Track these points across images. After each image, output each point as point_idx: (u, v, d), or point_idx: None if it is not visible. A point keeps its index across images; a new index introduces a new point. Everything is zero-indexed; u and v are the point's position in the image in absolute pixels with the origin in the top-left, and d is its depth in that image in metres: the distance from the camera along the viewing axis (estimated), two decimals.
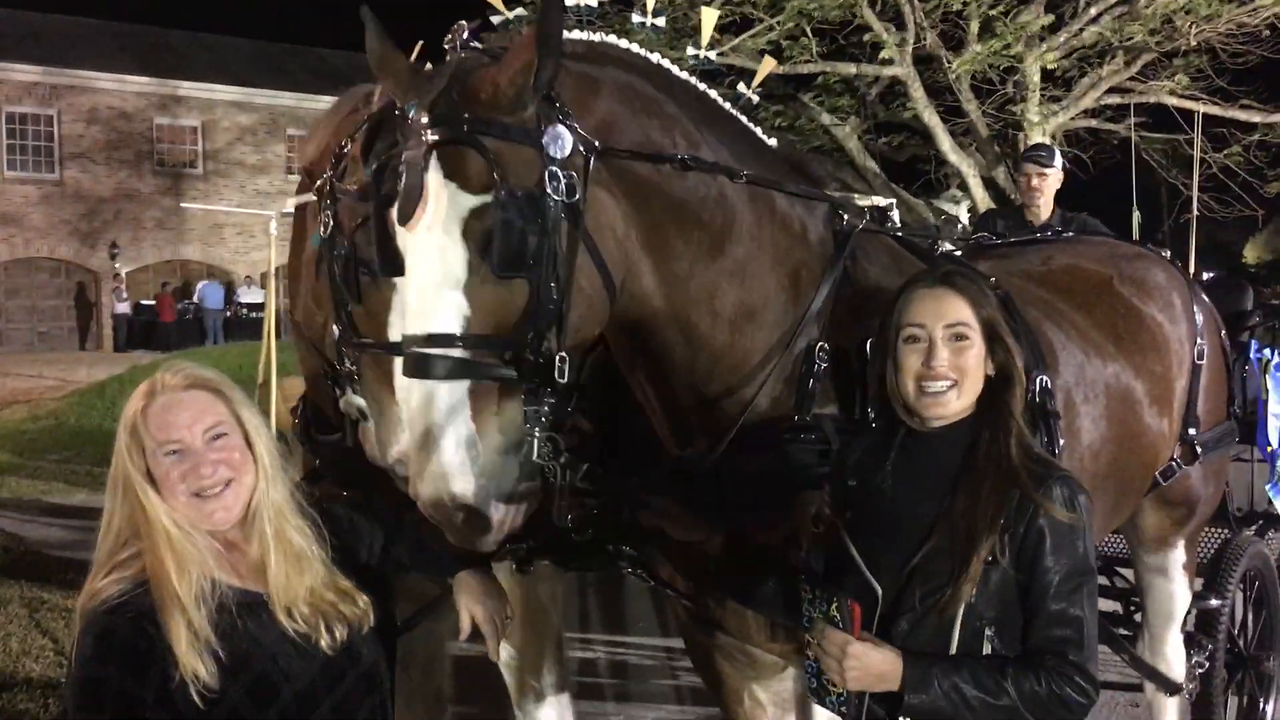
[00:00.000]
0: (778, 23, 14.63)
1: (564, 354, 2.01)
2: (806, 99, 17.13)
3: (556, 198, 2.00)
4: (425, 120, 1.97)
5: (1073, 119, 15.99)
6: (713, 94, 2.52)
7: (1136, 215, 16.31)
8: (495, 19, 2.51)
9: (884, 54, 14.61)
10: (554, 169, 2.00)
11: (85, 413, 14.04)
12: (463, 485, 1.93)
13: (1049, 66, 14.58)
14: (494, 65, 2.06)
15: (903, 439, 2.09)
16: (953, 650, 1.93)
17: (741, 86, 2.66)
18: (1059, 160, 5.78)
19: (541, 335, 2.00)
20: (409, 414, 1.97)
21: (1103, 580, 4.94)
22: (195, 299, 28.20)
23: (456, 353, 1.93)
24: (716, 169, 2.31)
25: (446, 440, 1.92)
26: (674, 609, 2.87)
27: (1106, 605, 4.82)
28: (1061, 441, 2.77)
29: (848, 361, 2.44)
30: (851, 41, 15.55)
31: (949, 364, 2.01)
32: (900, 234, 2.90)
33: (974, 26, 14.71)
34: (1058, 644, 1.90)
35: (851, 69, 15.96)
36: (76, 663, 1.85)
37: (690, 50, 2.60)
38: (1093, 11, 14.63)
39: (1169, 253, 4.10)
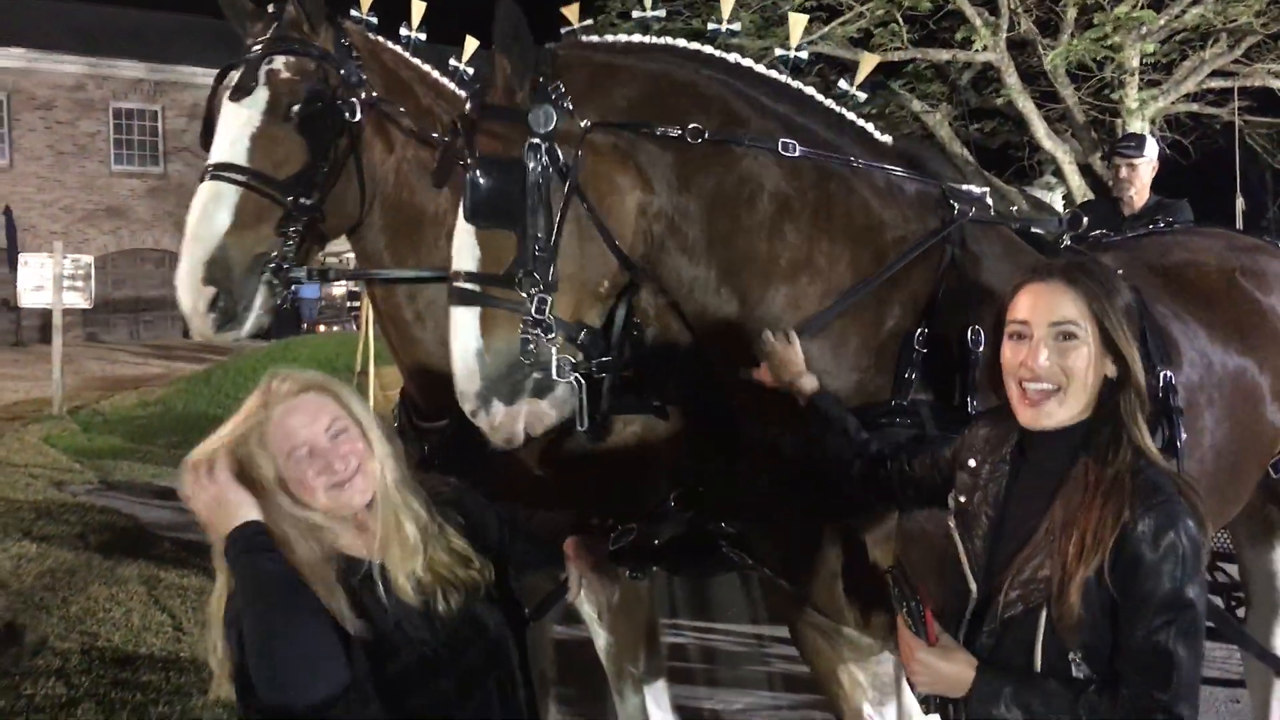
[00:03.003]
0: (868, 10, 14.51)
1: (550, 294, 2.41)
2: (896, 86, 16.96)
3: (537, 164, 2.40)
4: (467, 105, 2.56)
5: (1174, 103, 15.53)
6: (800, 86, 2.71)
7: (1240, 202, 15.90)
8: (563, 30, 2.83)
9: (977, 45, 14.38)
10: (534, 140, 2.41)
11: (192, 399, 14.52)
12: (467, 384, 2.43)
13: (1148, 54, 14.18)
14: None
15: (1020, 435, 2.00)
16: (1036, 667, 1.85)
17: (844, 83, 2.75)
18: (1151, 149, 5.74)
19: (530, 276, 2.40)
20: (450, 329, 2.49)
21: (1205, 576, 4.90)
22: (294, 291, 28.82)
23: (470, 285, 2.44)
24: (728, 141, 2.51)
25: (460, 348, 2.44)
26: (772, 589, 2.95)
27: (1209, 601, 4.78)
28: (1184, 438, 2.74)
29: (949, 349, 2.48)
30: (943, 27, 15.34)
31: (1052, 365, 1.91)
32: (1025, 224, 2.93)
33: (1070, 14, 14.39)
34: (1141, 679, 1.77)
35: (944, 55, 15.74)
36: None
37: (779, 51, 2.77)
38: None
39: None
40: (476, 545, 2.22)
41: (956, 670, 1.87)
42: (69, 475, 10.30)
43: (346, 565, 2.07)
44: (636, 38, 2.67)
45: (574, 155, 2.43)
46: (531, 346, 2.40)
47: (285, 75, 2.99)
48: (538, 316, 2.39)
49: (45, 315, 15.92)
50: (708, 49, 2.66)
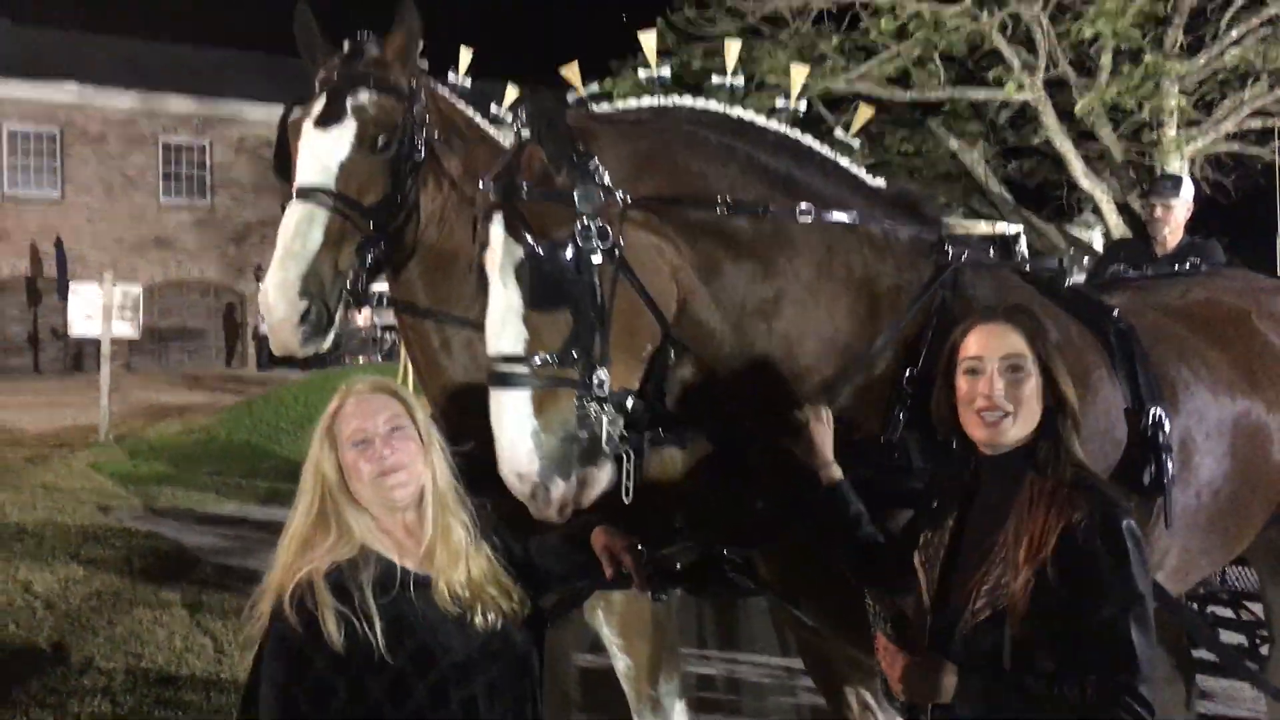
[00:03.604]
0: (904, 49, 14.63)
1: (604, 369, 2.45)
2: (934, 125, 17.05)
3: (588, 244, 2.44)
4: (491, 189, 2.55)
5: (1213, 143, 15.53)
6: (805, 139, 2.83)
7: None
8: (570, 96, 2.87)
9: (1008, 88, 14.44)
10: (584, 220, 2.45)
11: (234, 428, 14.75)
12: (527, 466, 2.43)
13: (1181, 103, 14.15)
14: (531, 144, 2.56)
15: (976, 462, 2.22)
16: (1006, 667, 2.03)
17: (840, 131, 2.89)
18: (1187, 191, 5.76)
19: (586, 353, 2.44)
20: (493, 413, 2.49)
21: (1229, 614, 4.91)
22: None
23: (519, 368, 2.45)
24: (755, 212, 2.62)
25: (513, 432, 2.44)
26: (782, 611, 3.05)
27: (1233, 638, 4.79)
28: (1172, 474, 2.85)
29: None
30: (981, 66, 15.43)
31: (1005, 394, 2.14)
32: (1025, 268, 3.04)
33: (1106, 58, 14.42)
34: (1104, 664, 1.96)
35: (980, 94, 15.83)
36: (270, 628, 2.18)
37: (779, 102, 2.92)
38: (1234, 34, 14.23)
39: None
40: (511, 572, 2.36)
41: (939, 677, 2.05)
42: (115, 500, 10.51)
43: (389, 571, 2.21)
44: (646, 101, 2.78)
45: (618, 230, 2.49)
46: (590, 421, 2.45)
47: (371, 109, 3.17)
48: (598, 394, 2.44)
49: (94, 344, 16.26)
50: (713, 105, 2.77)
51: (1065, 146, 15.35)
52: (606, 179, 2.50)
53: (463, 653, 2.20)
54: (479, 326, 3.24)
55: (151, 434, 14.78)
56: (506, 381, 2.45)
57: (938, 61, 15.04)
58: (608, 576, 2.45)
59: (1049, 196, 18.65)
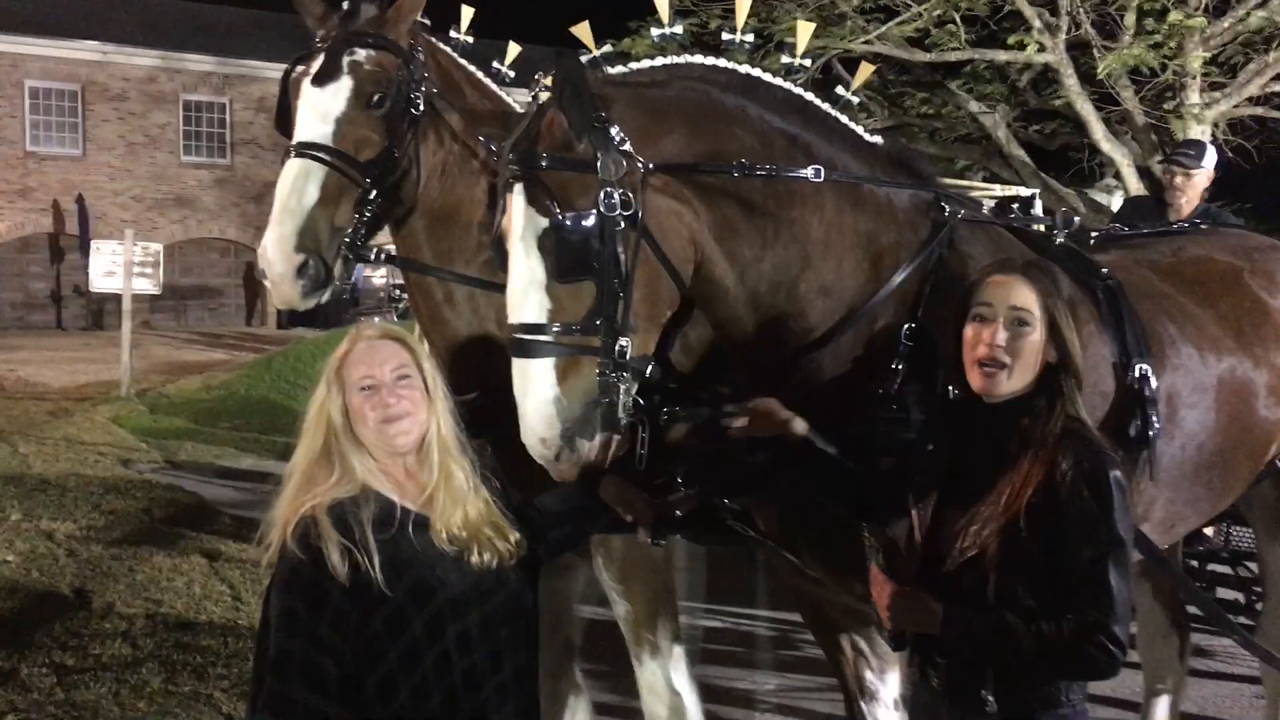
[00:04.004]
0: (925, 9, 14.49)
1: (627, 337, 2.47)
2: (954, 86, 16.90)
3: (611, 212, 2.44)
4: (510, 157, 2.53)
5: (1236, 106, 15.32)
6: (808, 96, 2.84)
7: None
8: (583, 57, 2.83)
9: (1029, 49, 14.29)
10: (608, 189, 2.45)
11: (254, 384, 14.91)
12: (549, 430, 2.45)
13: (1206, 59, 13.96)
14: (552, 110, 2.53)
15: (978, 409, 2.28)
16: (989, 602, 2.13)
17: (841, 89, 2.92)
18: (1209, 159, 5.60)
19: (610, 322, 2.46)
20: (516, 381, 2.51)
21: (1227, 570, 4.97)
22: (353, 279, 29.33)
23: (543, 337, 2.46)
24: (771, 174, 2.64)
25: (537, 398, 2.46)
26: (779, 561, 3.12)
27: (1229, 595, 4.85)
28: (1158, 427, 2.92)
29: (934, 341, 2.66)
30: (1002, 27, 15.26)
31: (1005, 345, 2.21)
32: (1014, 224, 3.08)
33: (1130, 19, 14.24)
34: (1080, 604, 2.05)
35: (1002, 56, 15.66)
36: (277, 557, 2.27)
37: (784, 59, 2.94)
38: None
39: None
40: (508, 515, 2.43)
41: (925, 607, 2.16)
42: (136, 454, 10.69)
43: (388, 510, 2.28)
44: (660, 61, 2.78)
45: (639, 197, 2.49)
46: (611, 387, 2.46)
47: (368, 66, 3.21)
48: (620, 360, 2.46)
49: (115, 300, 16.39)
50: (724, 64, 2.78)
51: (1086, 109, 15.18)
52: (627, 145, 2.50)
53: (459, 589, 2.28)
54: (481, 282, 3.33)
55: (172, 390, 14.96)
56: (529, 351, 2.47)
57: (958, 22, 14.89)
58: (623, 522, 2.53)
59: (1070, 160, 18.46)
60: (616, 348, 2.46)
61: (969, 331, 2.27)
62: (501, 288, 2.61)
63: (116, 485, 8.97)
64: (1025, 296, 2.24)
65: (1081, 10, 14.30)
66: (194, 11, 29.72)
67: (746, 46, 2.89)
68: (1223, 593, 5.14)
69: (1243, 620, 4.31)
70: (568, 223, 2.43)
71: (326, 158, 3.15)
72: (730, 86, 2.74)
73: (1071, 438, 2.17)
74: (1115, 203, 16.81)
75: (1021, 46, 14.43)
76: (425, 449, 2.36)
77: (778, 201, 2.68)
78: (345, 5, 3.32)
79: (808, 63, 2.90)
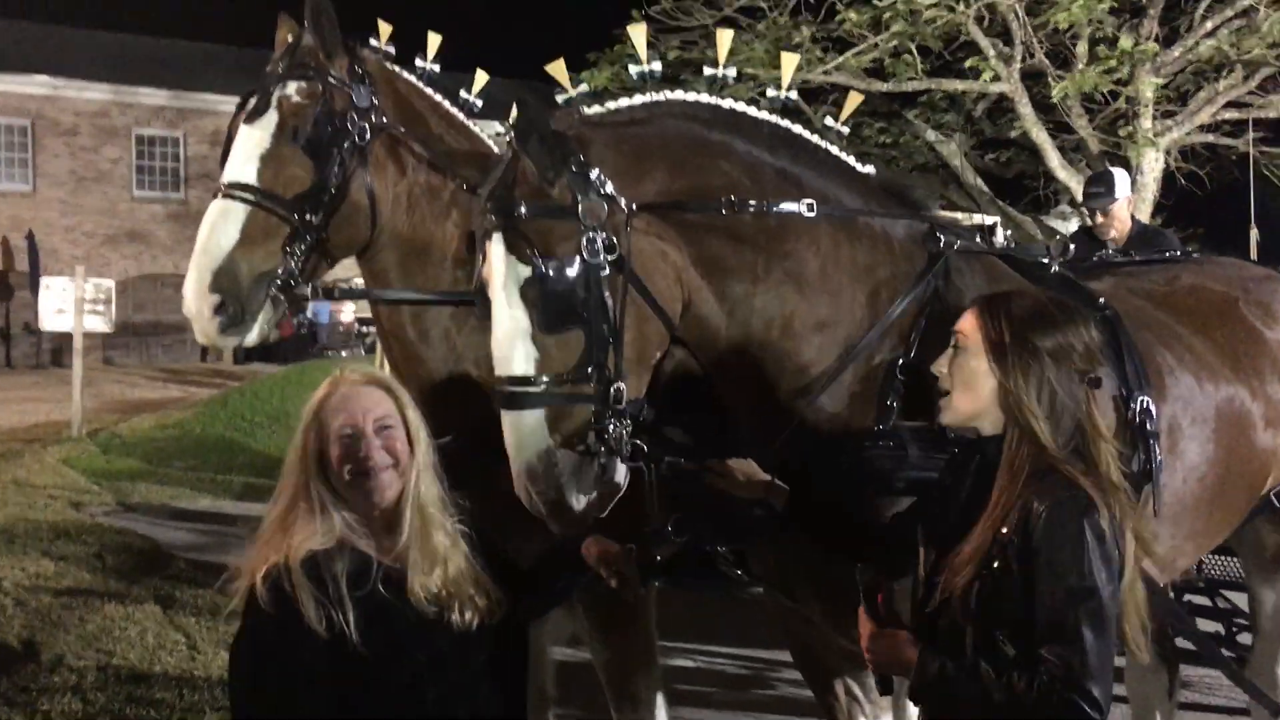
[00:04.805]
0: (881, 40, 14.62)
1: (620, 382, 2.39)
2: (910, 116, 17.06)
3: (595, 258, 2.37)
4: (488, 206, 2.46)
5: (1188, 134, 15.60)
6: (796, 128, 2.76)
7: (1255, 233, 15.90)
8: (559, 96, 2.75)
9: (985, 76, 14.46)
10: (590, 234, 2.38)
11: (209, 422, 14.62)
12: (545, 484, 2.36)
13: (1158, 84, 14.21)
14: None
15: (975, 445, 2.20)
16: (966, 645, 2.00)
17: (830, 120, 2.85)
18: (1120, 188, 5.83)
19: (601, 368, 2.38)
20: (507, 435, 2.41)
21: (1204, 601, 4.92)
22: (310, 314, 29.10)
23: (532, 390, 2.37)
24: (760, 208, 2.57)
25: (530, 451, 2.36)
26: (773, 604, 3.02)
27: (1209, 627, 4.79)
28: (1160, 460, 2.85)
29: (929, 376, 2.57)
30: (958, 57, 15.44)
31: (946, 369, 2.15)
32: (1009, 253, 3.02)
33: (1082, 47, 14.47)
34: (1054, 658, 1.90)
35: (957, 85, 15.84)
36: (244, 611, 2.15)
37: (770, 92, 2.85)
38: (1209, 25, 14.28)
39: None
40: (489, 571, 2.32)
41: (902, 650, 2.04)
42: (87, 496, 10.40)
43: (364, 565, 2.17)
44: (638, 99, 2.69)
45: (624, 239, 2.42)
46: (607, 435, 2.39)
47: (295, 99, 3.11)
48: (615, 407, 2.39)
49: (66, 338, 16.10)
50: (703, 98, 2.70)
51: (1041, 137, 15.39)
52: (608, 187, 2.43)
53: (438, 649, 2.17)
54: (457, 297, 3.22)
55: (125, 429, 14.64)
56: (519, 403, 2.38)
57: (914, 52, 15.04)
58: (608, 585, 2.42)
59: (1026, 188, 18.70)
60: (610, 394, 2.38)
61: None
62: (472, 312, 2.56)
63: (67, 530, 8.71)
64: (964, 320, 2.16)
65: (1035, 40, 14.49)
66: (147, 45, 29.51)
67: (718, 81, 2.80)
68: (1202, 623, 5.09)
69: (1225, 653, 4.25)
70: (550, 272, 2.36)
71: (249, 197, 3.08)
72: (714, 122, 2.66)
73: (1046, 476, 2.02)
74: (1070, 229, 17.01)
75: (977, 73, 14.59)
76: (406, 504, 2.24)
77: (769, 236, 2.60)
78: (289, 38, 3.24)
79: (794, 94, 2.82)
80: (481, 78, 3.55)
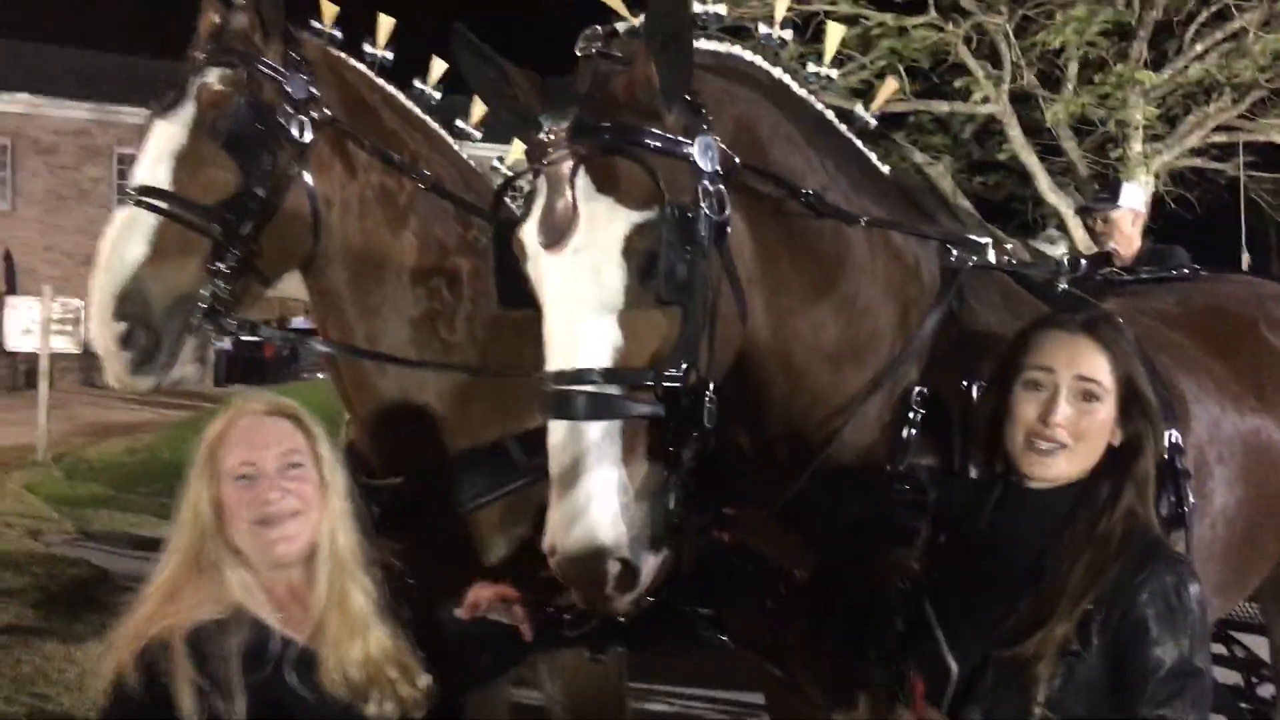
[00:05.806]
0: (870, 60, 14.45)
1: (712, 387, 1.83)
2: (899, 137, 16.89)
3: (710, 215, 1.83)
4: (569, 131, 1.84)
5: (1178, 158, 15.47)
6: (830, 114, 2.37)
7: (1245, 257, 15.78)
8: (620, 25, 2.27)
9: (976, 96, 14.30)
10: (706, 183, 1.84)
11: (179, 446, 14.23)
12: (614, 536, 1.72)
13: (1149, 113, 14.06)
14: (629, 71, 1.89)
15: (1001, 494, 1.87)
16: None
17: (859, 109, 2.51)
18: (1129, 197, 5.53)
19: (694, 366, 1.81)
20: (554, 456, 1.79)
21: (1219, 649, 4.60)
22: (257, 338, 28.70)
23: (609, 389, 1.76)
24: (839, 212, 2.15)
25: (598, 489, 1.72)
26: (759, 665, 2.69)
27: (1227, 677, 4.48)
28: (1193, 503, 2.53)
29: (947, 407, 2.24)
30: (946, 79, 15.30)
31: (1068, 424, 1.79)
32: (1019, 269, 2.70)
33: (1072, 69, 14.32)
34: None
35: (945, 107, 15.69)
36: (111, 689, 1.79)
37: (811, 68, 2.46)
38: (1198, 49, 14.17)
39: None
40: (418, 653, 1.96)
41: None
42: (46, 525, 10.05)
43: (263, 640, 1.81)
44: (709, 45, 2.19)
45: (730, 201, 1.89)
46: (683, 469, 1.80)
47: (217, 88, 2.68)
48: (708, 425, 1.80)
49: (37, 359, 15.80)
50: (778, 73, 2.28)
51: (1030, 160, 15.23)
52: (716, 133, 1.91)
53: None
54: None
55: (92, 453, 14.31)
56: (587, 410, 1.73)
57: (902, 74, 14.86)
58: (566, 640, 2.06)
59: (1014, 211, 18.56)
60: (705, 405, 1.80)
61: (1019, 399, 1.83)
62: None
63: (18, 560, 8.34)
64: (1095, 363, 1.82)
65: (1024, 62, 14.35)
66: (129, 64, 29.26)
67: (782, 43, 2.37)
68: (1219, 673, 4.78)
69: (1244, 706, 3.94)
70: (673, 217, 1.76)
71: (159, 204, 2.61)
72: (772, 92, 2.19)
73: (1136, 539, 1.76)
74: (1058, 253, 16.83)
75: (967, 93, 14.43)
76: (318, 560, 1.88)
77: (824, 238, 2.15)
78: (216, 18, 2.80)
79: (834, 73, 2.45)
80: (439, 66, 3.11)
